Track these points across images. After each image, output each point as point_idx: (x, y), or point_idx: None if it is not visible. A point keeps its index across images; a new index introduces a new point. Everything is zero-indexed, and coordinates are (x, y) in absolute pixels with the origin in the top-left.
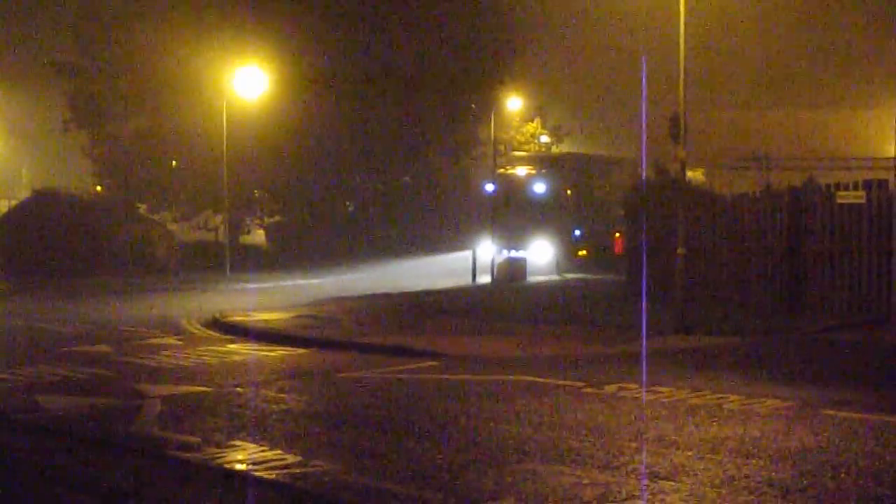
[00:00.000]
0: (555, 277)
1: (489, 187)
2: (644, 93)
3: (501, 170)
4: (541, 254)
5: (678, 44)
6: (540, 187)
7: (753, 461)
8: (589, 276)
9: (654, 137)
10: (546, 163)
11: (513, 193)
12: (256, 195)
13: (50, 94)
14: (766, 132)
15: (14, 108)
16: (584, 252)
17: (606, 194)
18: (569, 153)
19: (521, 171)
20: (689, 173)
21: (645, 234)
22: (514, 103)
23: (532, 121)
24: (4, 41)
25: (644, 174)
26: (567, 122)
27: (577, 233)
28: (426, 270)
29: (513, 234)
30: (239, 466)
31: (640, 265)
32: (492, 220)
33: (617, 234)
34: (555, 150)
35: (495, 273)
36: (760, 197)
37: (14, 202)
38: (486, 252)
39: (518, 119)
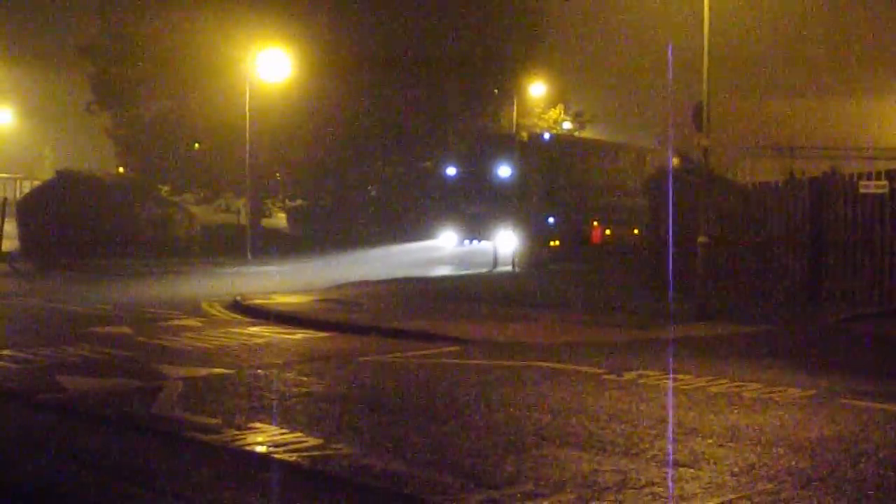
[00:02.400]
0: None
1: (450, 171)
2: (670, 80)
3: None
4: (506, 243)
5: (703, 31)
6: (507, 171)
7: (773, 450)
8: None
9: (676, 125)
10: (516, 144)
11: (477, 178)
12: (278, 178)
13: (73, 76)
14: (790, 121)
15: (37, 89)
16: (557, 242)
17: (601, 180)
18: (549, 135)
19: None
20: (676, 161)
21: (671, 222)
22: (537, 89)
23: (555, 107)
24: (29, 23)
25: (670, 161)
26: (590, 108)
27: (551, 221)
28: (390, 261)
29: (476, 221)
30: (259, 448)
31: (660, 254)
32: (452, 207)
33: (595, 223)
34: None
35: (515, 260)
36: (783, 186)
37: (36, 183)
38: (449, 241)
39: (541, 105)
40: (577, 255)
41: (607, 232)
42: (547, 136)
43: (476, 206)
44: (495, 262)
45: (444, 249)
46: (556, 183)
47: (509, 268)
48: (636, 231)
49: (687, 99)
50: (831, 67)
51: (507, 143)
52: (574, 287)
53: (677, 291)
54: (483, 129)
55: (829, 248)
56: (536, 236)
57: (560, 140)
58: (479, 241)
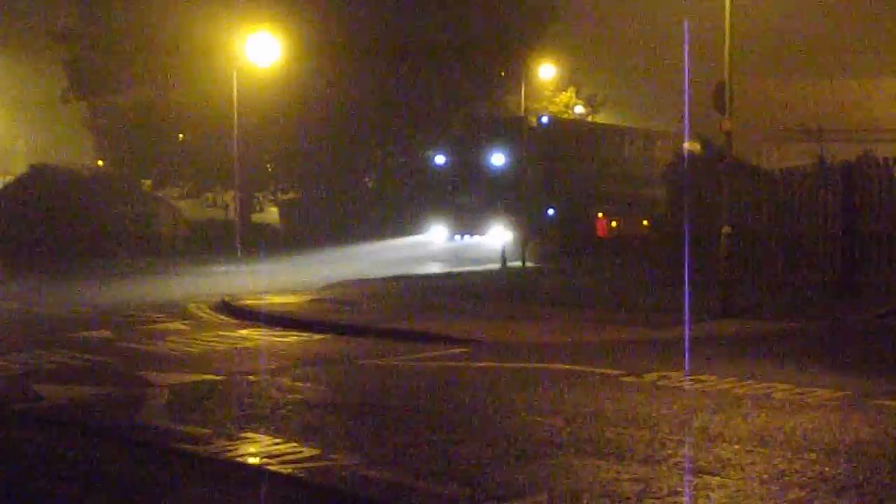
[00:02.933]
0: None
1: (438, 159)
2: (686, 58)
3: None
4: (500, 238)
5: (724, 6)
6: (500, 159)
7: (805, 455)
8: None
9: (697, 107)
10: (511, 129)
11: (468, 167)
12: (269, 170)
13: (48, 63)
14: (818, 102)
15: (10, 78)
16: (557, 235)
17: (607, 168)
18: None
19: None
20: (688, 145)
21: (688, 211)
22: (546, 71)
23: (566, 90)
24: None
25: (686, 147)
26: (604, 92)
27: (550, 213)
28: (373, 259)
29: (467, 214)
30: (252, 460)
31: (677, 246)
32: (442, 199)
33: (600, 214)
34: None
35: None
36: (812, 172)
37: (9, 178)
38: (439, 236)
39: (551, 88)
40: (580, 250)
41: (613, 224)
42: (545, 119)
43: (467, 197)
44: (504, 259)
45: (433, 245)
46: (556, 172)
47: (517, 263)
48: (645, 223)
49: (706, 80)
50: (861, 46)
51: (501, 129)
52: (587, 283)
53: (698, 286)
54: (474, 112)
55: (862, 238)
56: (534, 230)
57: (559, 124)
58: (472, 235)
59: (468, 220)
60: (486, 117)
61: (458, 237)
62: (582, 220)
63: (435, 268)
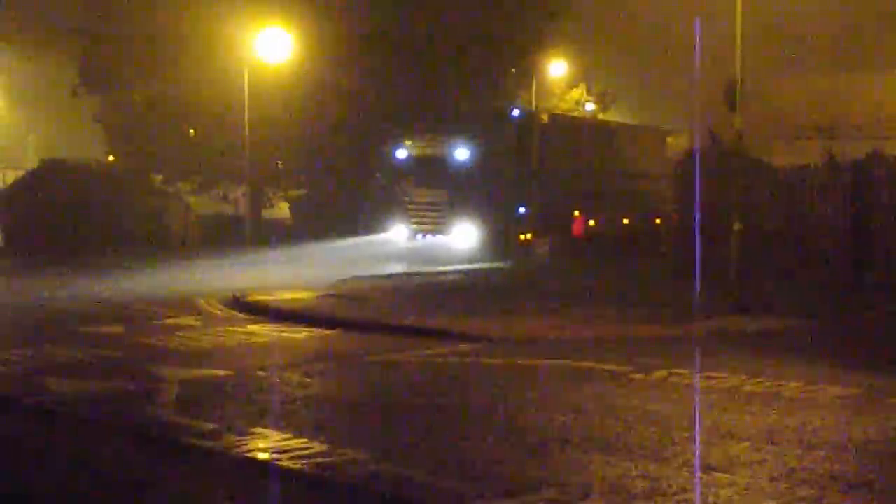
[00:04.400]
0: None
1: (400, 153)
2: (697, 57)
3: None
4: (465, 238)
5: (735, 4)
6: (465, 153)
7: (815, 453)
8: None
9: (709, 105)
10: (479, 124)
11: (429, 161)
12: (280, 165)
13: (59, 58)
14: (830, 100)
15: (21, 72)
16: (529, 235)
17: (588, 165)
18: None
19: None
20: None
21: (698, 208)
22: (557, 68)
23: (576, 87)
24: (10, 3)
25: (697, 143)
26: (614, 88)
27: (522, 211)
28: (321, 259)
29: (430, 213)
30: (262, 455)
31: (685, 242)
32: (400, 196)
33: (576, 213)
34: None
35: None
36: (822, 169)
37: (20, 172)
38: (400, 235)
39: (561, 85)
40: (555, 249)
41: (591, 223)
42: (516, 112)
43: (431, 194)
44: (504, 255)
45: (393, 245)
46: (529, 167)
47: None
48: (626, 221)
49: (718, 77)
50: (873, 43)
51: (469, 121)
52: (592, 280)
53: (706, 283)
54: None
55: (872, 236)
56: (503, 228)
57: (532, 117)
58: (434, 235)
59: (431, 218)
60: (454, 109)
61: (419, 237)
62: (557, 218)
63: (397, 268)
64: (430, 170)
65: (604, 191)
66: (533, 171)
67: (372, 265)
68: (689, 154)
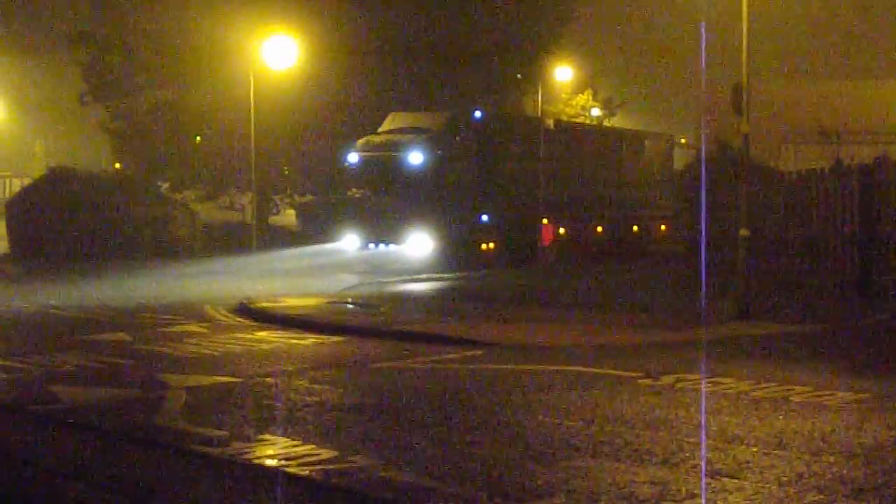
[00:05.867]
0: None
1: (352, 158)
2: (703, 62)
3: (365, 140)
4: (420, 247)
5: (742, 9)
6: (419, 158)
7: (823, 457)
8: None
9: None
10: (436, 127)
11: (384, 166)
12: (286, 172)
13: (65, 67)
14: (836, 105)
15: (27, 81)
16: (492, 245)
17: (559, 170)
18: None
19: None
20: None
21: (704, 214)
22: (563, 74)
23: (583, 93)
24: (17, 11)
25: (703, 149)
26: (621, 95)
27: (485, 219)
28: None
29: (383, 220)
30: (269, 462)
31: (694, 249)
32: (352, 203)
33: (545, 220)
34: (607, 123)
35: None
36: (829, 174)
37: (27, 180)
38: (352, 244)
39: (567, 91)
40: (519, 259)
41: (561, 231)
42: (478, 114)
43: (384, 201)
44: (513, 261)
45: (343, 254)
46: (492, 173)
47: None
48: (600, 229)
49: (724, 82)
50: (879, 48)
51: (427, 125)
52: (596, 286)
53: (712, 289)
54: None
55: (879, 240)
56: (462, 238)
57: (497, 120)
58: (387, 244)
59: (383, 226)
60: (408, 113)
61: (371, 245)
62: (523, 226)
63: (349, 279)
64: (384, 175)
65: (579, 197)
66: (496, 178)
67: (292, 278)
68: (697, 159)
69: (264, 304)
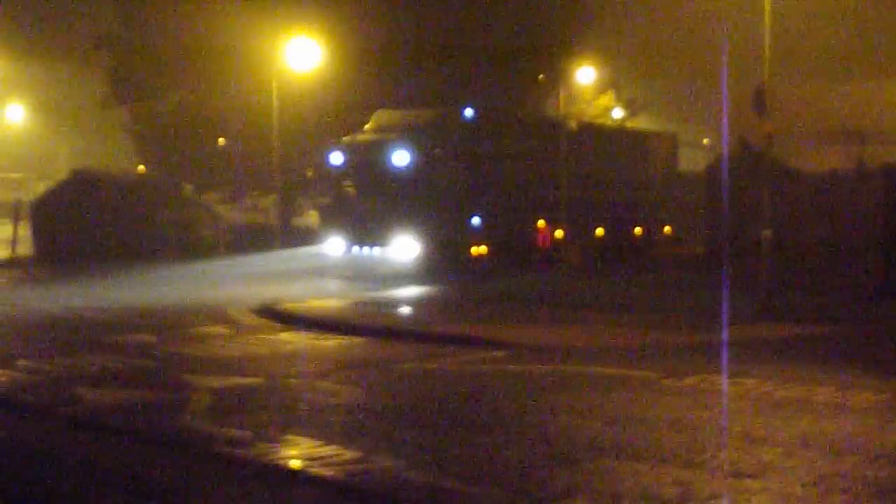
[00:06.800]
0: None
1: (335, 158)
2: (725, 62)
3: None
4: (406, 251)
5: (763, 9)
6: (405, 158)
7: (847, 458)
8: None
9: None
10: (423, 125)
11: (369, 167)
12: (310, 174)
13: (89, 69)
14: (859, 105)
15: (51, 84)
16: (484, 249)
17: (553, 170)
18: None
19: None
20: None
21: (726, 215)
22: (585, 74)
23: (605, 93)
24: (41, 14)
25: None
26: (643, 95)
27: (476, 221)
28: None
29: (368, 223)
30: (293, 463)
31: (716, 250)
32: (335, 205)
33: (541, 223)
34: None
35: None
36: (852, 175)
37: (51, 183)
38: (335, 248)
39: (589, 92)
40: (516, 263)
41: (558, 233)
42: (469, 112)
43: (368, 203)
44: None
45: (325, 258)
46: (484, 174)
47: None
48: (601, 231)
49: (746, 83)
50: None
51: (414, 123)
52: (617, 287)
53: (735, 290)
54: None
55: None
56: (452, 242)
57: (490, 118)
58: (371, 248)
59: (367, 229)
60: (393, 111)
61: (356, 249)
62: (518, 229)
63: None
64: (369, 176)
65: (578, 199)
66: (487, 178)
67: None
68: (720, 159)
69: (288, 306)
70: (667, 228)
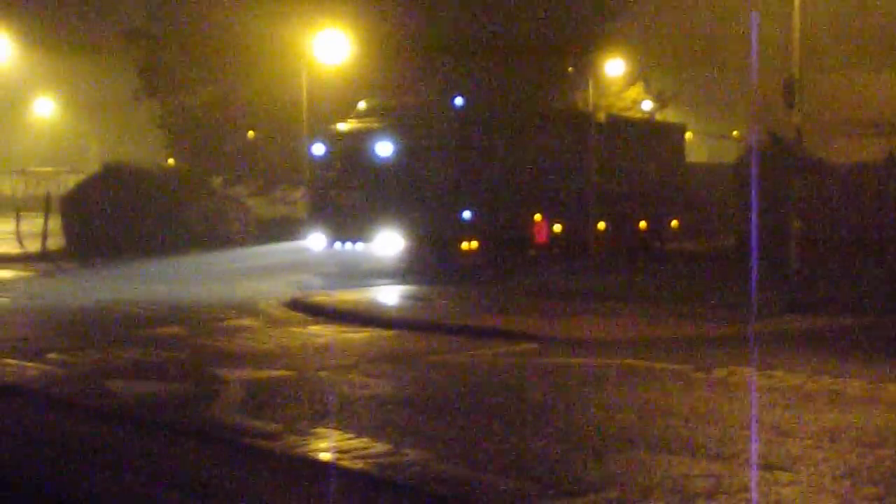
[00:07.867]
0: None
1: (317, 149)
2: (755, 53)
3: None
4: (391, 246)
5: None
6: (389, 149)
7: (878, 451)
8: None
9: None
10: (410, 114)
11: (353, 158)
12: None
13: (120, 63)
14: (889, 97)
15: (82, 78)
16: (475, 244)
17: (553, 162)
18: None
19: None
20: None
21: (756, 207)
22: (614, 67)
23: (634, 85)
24: (72, 9)
25: (754, 142)
26: (672, 87)
27: (467, 215)
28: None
29: (351, 217)
30: (323, 455)
31: (746, 241)
32: (318, 198)
33: (537, 217)
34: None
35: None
36: (882, 166)
37: (82, 177)
38: (317, 243)
39: (618, 85)
40: (509, 259)
41: (556, 228)
42: (459, 101)
43: (350, 195)
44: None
45: (306, 253)
46: (476, 166)
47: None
48: (602, 225)
49: (776, 75)
50: None
51: (400, 111)
52: (646, 279)
53: (766, 281)
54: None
55: None
56: (441, 237)
57: (481, 108)
58: (354, 243)
59: (350, 224)
60: (377, 102)
61: (338, 244)
62: (513, 223)
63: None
64: (353, 167)
65: (578, 192)
66: (480, 170)
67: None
68: (749, 152)
69: (318, 299)
70: (674, 222)
